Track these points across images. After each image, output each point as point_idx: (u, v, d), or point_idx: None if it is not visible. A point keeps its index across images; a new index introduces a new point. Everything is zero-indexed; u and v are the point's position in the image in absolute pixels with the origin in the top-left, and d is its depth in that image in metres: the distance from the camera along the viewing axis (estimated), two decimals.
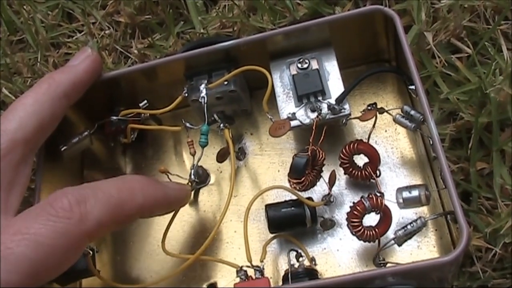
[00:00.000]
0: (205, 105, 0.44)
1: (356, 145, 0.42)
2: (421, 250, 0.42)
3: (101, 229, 0.35)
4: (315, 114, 0.43)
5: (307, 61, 0.45)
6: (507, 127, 0.47)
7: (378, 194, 0.40)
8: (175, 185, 0.43)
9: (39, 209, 0.34)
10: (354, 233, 0.40)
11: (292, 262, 0.42)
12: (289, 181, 0.42)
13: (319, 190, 0.45)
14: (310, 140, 0.41)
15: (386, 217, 0.40)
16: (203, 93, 0.45)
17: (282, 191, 0.45)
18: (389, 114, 0.42)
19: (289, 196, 0.44)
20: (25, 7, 0.63)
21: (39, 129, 0.40)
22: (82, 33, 0.61)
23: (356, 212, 0.39)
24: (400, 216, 0.43)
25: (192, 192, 0.47)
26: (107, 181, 0.38)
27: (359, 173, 0.43)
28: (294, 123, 0.43)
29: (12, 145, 0.38)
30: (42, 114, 0.41)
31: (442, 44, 0.51)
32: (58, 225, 0.33)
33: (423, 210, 0.43)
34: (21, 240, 0.32)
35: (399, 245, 0.39)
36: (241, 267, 0.41)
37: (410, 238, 0.39)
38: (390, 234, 0.40)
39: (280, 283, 0.42)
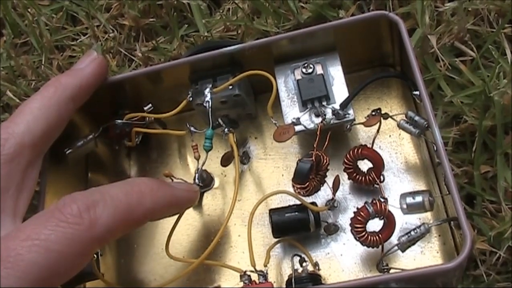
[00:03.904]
0: (210, 109, 0.45)
1: (360, 150, 0.42)
2: (425, 256, 0.42)
3: (110, 234, 0.34)
4: (320, 119, 0.43)
5: (311, 66, 0.45)
6: (511, 130, 0.47)
7: (382, 200, 0.40)
8: (183, 185, 0.43)
9: (49, 215, 0.33)
10: (357, 238, 0.40)
11: (295, 267, 0.42)
12: (293, 186, 0.42)
13: (323, 195, 0.45)
14: (315, 145, 0.41)
15: (389, 222, 0.40)
16: (208, 97, 0.45)
17: (286, 195, 0.45)
18: (394, 119, 0.42)
19: (293, 201, 0.44)
20: (29, 10, 0.63)
21: (46, 133, 0.40)
22: (86, 36, 0.61)
23: (359, 218, 0.39)
24: (404, 221, 0.43)
25: None
26: (115, 185, 0.37)
27: (363, 178, 0.43)
28: (298, 128, 0.43)
29: (20, 149, 0.38)
30: (49, 118, 0.41)
31: (446, 47, 0.51)
32: (68, 231, 0.33)
33: (427, 216, 0.43)
34: (32, 246, 0.32)
35: (403, 251, 0.39)
36: (245, 271, 0.41)
37: (413, 244, 0.39)
38: (394, 239, 0.40)
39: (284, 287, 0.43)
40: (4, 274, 0.31)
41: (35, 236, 0.32)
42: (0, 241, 0.32)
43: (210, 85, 0.45)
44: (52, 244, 0.32)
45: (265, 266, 0.41)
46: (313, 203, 0.44)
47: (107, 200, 0.35)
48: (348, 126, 0.43)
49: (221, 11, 0.59)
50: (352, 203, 0.45)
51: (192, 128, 0.45)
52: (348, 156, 0.43)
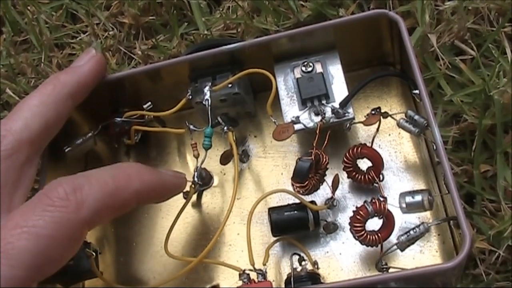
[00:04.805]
0: (209, 107, 0.44)
1: (359, 149, 0.42)
2: (424, 255, 0.42)
3: (98, 216, 0.35)
4: (319, 117, 0.43)
5: (311, 64, 0.45)
6: (511, 129, 0.47)
7: (381, 199, 0.40)
8: (171, 171, 0.43)
9: (36, 201, 0.34)
10: (357, 237, 0.40)
11: (294, 266, 0.42)
12: (293, 185, 0.42)
13: (322, 194, 0.45)
14: (314, 144, 0.41)
15: (389, 222, 0.40)
16: (207, 96, 0.45)
17: (285, 194, 0.45)
18: (393, 118, 0.42)
19: (293, 199, 0.44)
20: (29, 8, 0.63)
21: (44, 130, 0.40)
22: (86, 34, 0.61)
23: (359, 217, 0.39)
24: (403, 220, 0.43)
25: (195, 194, 0.48)
26: (102, 169, 0.37)
27: (363, 177, 0.43)
28: (297, 126, 0.43)
29: (17, 146, 0.38)
30: (47, 115, 0.41)
31: (446, 46, 0.51)
32: (55, 215, 0.33)
33: (426, 215, 0.43)
34: (21, 233, 0.32)
35: (402, 250, 0.39)
36: (244, 270, 0.40)
37: (413, 243, 0.39)
38: (393, 238, 0.40)
39: (283, 286, 0.42)
40: None
41: (24, 223, 0.32)
42: None
43: (210, 83, 0.45)
44: (41, 229, 0.32)
45: (264, 265, 0.41)
46: (313, 202, 0.43)
47: (93, 183, 0.35)
48: (348, 125, 0.43)
49: (221, 9, 0.59)
50: (351, 202, 0.45)
51: (191, 126, 0.45)
52: (347, 155, 0.43)
